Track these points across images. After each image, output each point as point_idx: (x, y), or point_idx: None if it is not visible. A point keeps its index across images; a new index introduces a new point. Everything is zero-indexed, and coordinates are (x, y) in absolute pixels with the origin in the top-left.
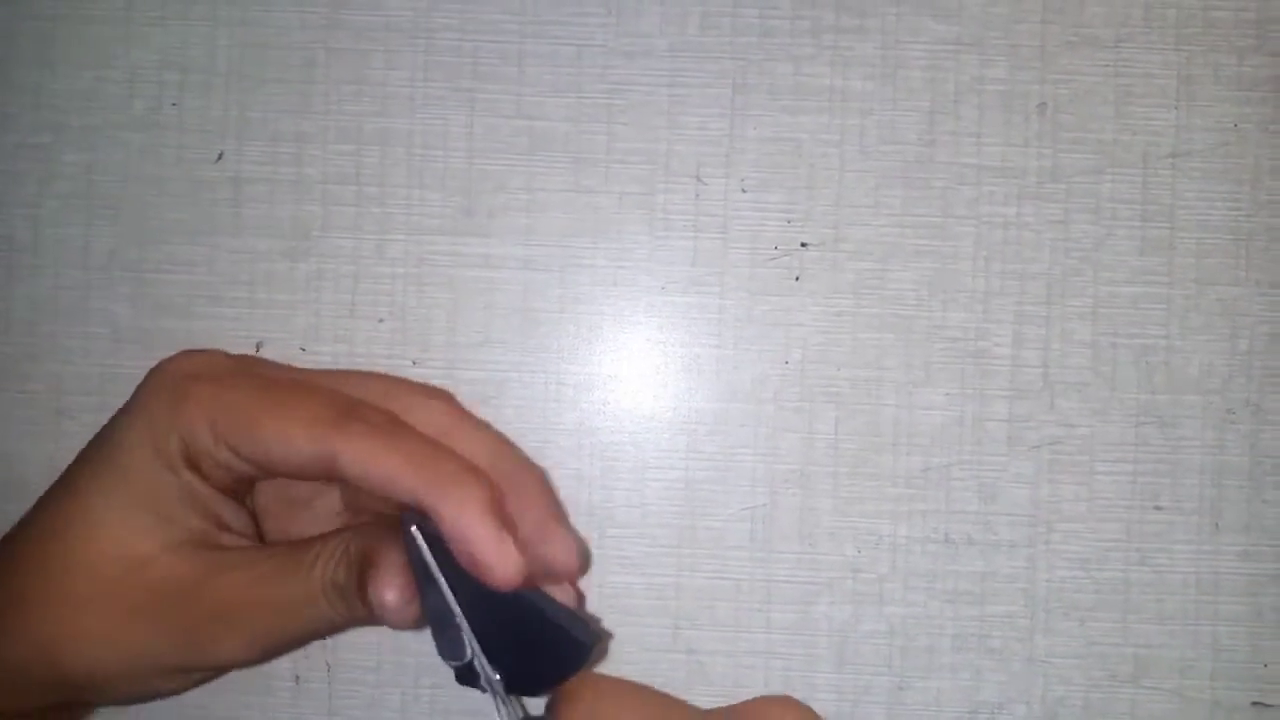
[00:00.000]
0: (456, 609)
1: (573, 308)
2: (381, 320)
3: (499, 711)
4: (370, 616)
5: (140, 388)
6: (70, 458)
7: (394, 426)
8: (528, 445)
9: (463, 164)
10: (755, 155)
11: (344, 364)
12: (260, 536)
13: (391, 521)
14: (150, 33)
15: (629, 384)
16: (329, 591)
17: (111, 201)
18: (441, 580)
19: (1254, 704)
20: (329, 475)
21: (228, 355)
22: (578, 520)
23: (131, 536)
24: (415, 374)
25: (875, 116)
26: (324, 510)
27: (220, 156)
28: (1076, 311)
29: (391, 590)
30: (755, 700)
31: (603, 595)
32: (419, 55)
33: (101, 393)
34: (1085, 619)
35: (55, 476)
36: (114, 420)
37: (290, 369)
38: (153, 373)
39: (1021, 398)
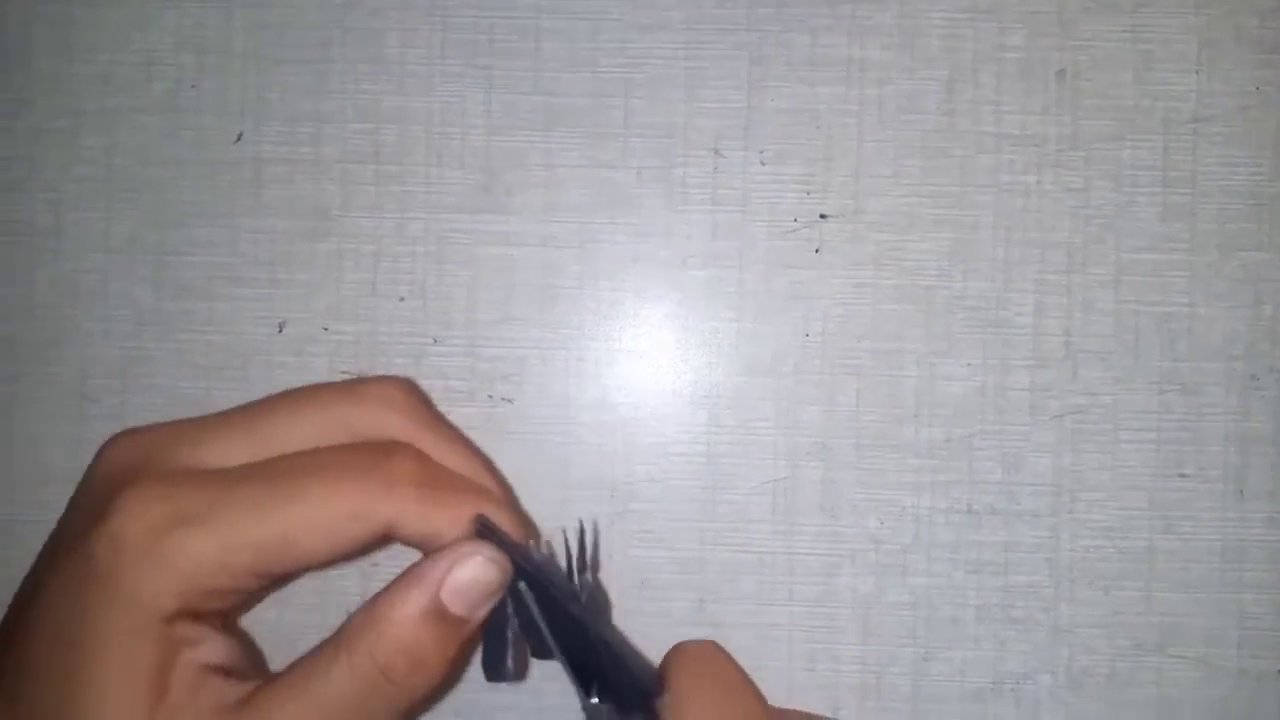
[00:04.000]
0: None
1: (592, 283)
2: (402, 299)
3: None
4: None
5: (97, 548)
6: (94, 441)
7: (433, 476)
8: (548, 421)
9: (481, 141)
10: (773, 127)
11: (366, 343)
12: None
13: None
14: (166, 15)
15: (649, 359)
16: (383, 670)
17: (131, 185)
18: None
19: None
20: (375, 545)
21: (175, 476)
22: (600, 496)
23: None
24: (436, 351)
25: (893, 86)
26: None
27: (239, 138)
28: (1098, 279)
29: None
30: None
31: (625, 570)
32: (435, 33)
33: (124, 375)
34: (1110, 588)
35: (79, 460)
36: (82, 583)
37: (215, 419)
38: (111, 533)
39: (1044, 367)
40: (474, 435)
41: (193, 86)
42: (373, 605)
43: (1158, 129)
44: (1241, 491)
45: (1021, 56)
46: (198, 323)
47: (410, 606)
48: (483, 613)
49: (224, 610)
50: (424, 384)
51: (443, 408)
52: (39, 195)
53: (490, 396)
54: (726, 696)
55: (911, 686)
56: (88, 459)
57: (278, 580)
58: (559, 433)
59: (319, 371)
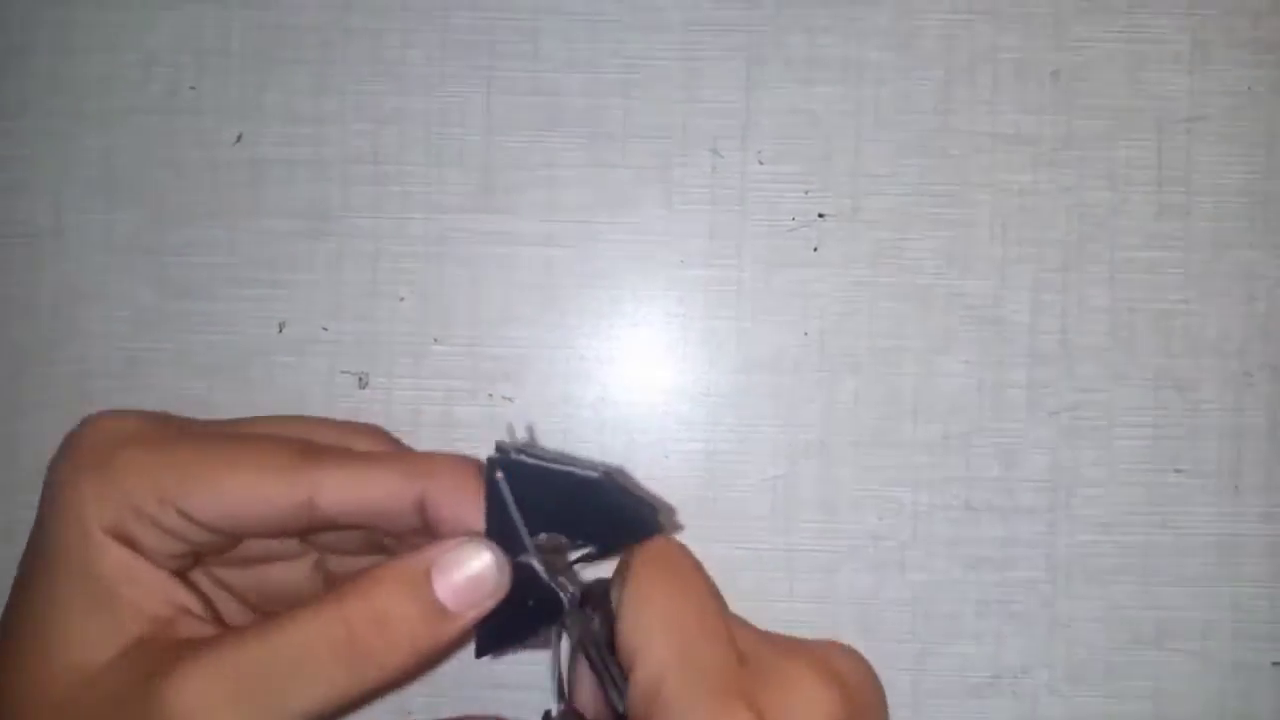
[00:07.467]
0: (524, 530)
1: (592, 283)
2: (402, 299)
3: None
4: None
5: (57, 462)
6: None
7: (361, 453)
8: (549, 420)
9: (480, 142)
10: (771, 127)
11: (366, 343)
12: (219, 618)
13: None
14: (165, 16)
15: (649, 357)
16: (345, 643)
17: (131, 185)
18: (514, 510)
19: (1275, 664)
20: (305, 521)
21: (146, 415)
22: None
23: (80, 645)
24: (437, 351)
25: (890, 86)
26: (292, 572)
27: (239, 138)
28: (1093, 277)
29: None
30: (815, 643)
31: None
32: (435, 34)
33: (125, 376)
34: (1107, 583)
35: None
36: (42, 503)
37: (214, 422)
38: (68, 444)
39: (1040, 364)
40: (474, 434)
41: (192, 87)
42: (360, 574)
43: (1151, 129)
44: (1236, 486)
45: (1017, 57)
46: (198, 323)
47: (395, 583)
48: (477, 614)
49: (173, 556)
50: (425, 383)
51: (444, 407)
52: (39, 196)
53: (491, 395)
54: (682, 589)
55: (911, 682)
56: None
57: (207, 538)
58: (559, 431)
59: (319, 371)
